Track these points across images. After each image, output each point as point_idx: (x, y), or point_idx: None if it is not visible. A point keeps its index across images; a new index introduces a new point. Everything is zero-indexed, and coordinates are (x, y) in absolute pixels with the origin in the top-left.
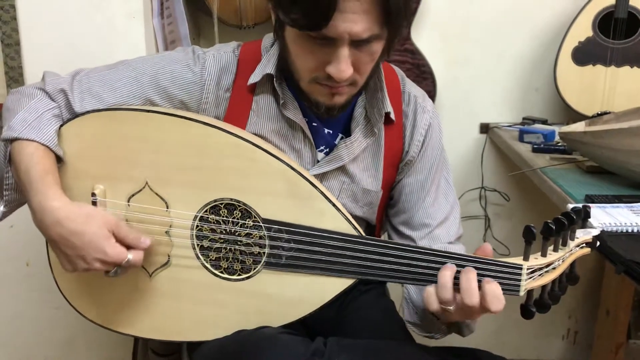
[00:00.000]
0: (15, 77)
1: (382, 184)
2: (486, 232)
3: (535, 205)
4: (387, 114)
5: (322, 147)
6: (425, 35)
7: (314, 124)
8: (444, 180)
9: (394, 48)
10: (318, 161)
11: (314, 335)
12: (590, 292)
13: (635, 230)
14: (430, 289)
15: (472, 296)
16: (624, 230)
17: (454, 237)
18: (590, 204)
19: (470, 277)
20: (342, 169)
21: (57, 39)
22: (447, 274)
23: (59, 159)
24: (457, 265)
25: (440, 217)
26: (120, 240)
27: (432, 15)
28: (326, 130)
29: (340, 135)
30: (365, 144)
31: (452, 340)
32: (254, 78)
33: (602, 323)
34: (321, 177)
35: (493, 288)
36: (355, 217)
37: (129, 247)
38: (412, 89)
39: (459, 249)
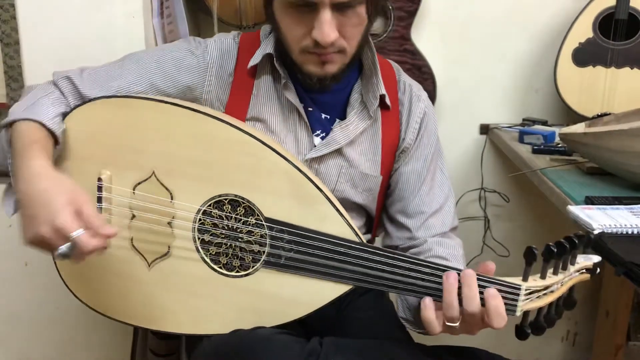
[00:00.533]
0: (14, 77)
1: (381, 170)
2: (486, 233)
3: (535, 206)
4: (382, 98)
5: (318, 132)
6: (425, 35)
7: (310, 108)
8: (439, 171)
9: (378, 13)
10: (315, 145)
11: (312, 335)
12: (590, 293)
13: (635, 232)
14: (430, 316)
15: (474, 305)
16: (624, 232)
17: (449, 227)
18: (589, 206)
19: (471, 284)
20: (340, 152)
21: (56, 38)
22: (453, 295)
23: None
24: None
25: (435, 206)
26: (80, 218)
27: (432, 15)
28: (323, 116)
29: (337, 121)
30: (362, 127)
31: (451, 339)
32: (254, 60)
33: (602, 324)
34: (319, 160)
35: (497, 304)
36: (355, 204)
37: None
38: (407, 79)
39: (455, 243)
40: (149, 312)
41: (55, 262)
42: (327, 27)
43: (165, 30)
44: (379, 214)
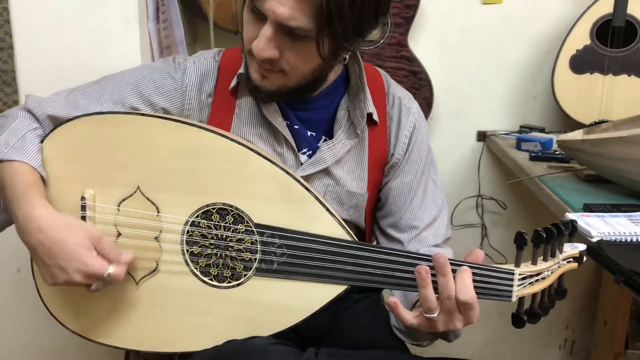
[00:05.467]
0: (8, 81)
1: (368, 186)
2: (483, 241)
3: (533, 213)
4: (370, 115)
5: (304, 150)
6: (422, 42)
7: (296, 126)
8: (432, 183)
9: (343, 51)
10: (301, 164)
11: (307, 344)
12: (588, 302)
13: (634, 240)
14: (401, 312)
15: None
16: (623, 240)
17: (442, 239)
18: (588, 213)
19: (445, 273)
20: (326, 172)
21: (51, 42)
22: (429, 289)
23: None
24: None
25: (428, 220)
26: (101, 255)
27: (430, 22)
28: (309, 133)
29: (323, 138)
30: (349, 145)
31: (449, 350)
32: (235, 82)
33: (600, 333)
34: (305, 179)
35: (464, 278)
36: (343, 220)
37: (110, 262)
38: (396, 91)
39: (446, 252)
40: (139, 333)
41: (38, 289)
42: (263, 41)
43: (161, 35)
44: (370, 227)
